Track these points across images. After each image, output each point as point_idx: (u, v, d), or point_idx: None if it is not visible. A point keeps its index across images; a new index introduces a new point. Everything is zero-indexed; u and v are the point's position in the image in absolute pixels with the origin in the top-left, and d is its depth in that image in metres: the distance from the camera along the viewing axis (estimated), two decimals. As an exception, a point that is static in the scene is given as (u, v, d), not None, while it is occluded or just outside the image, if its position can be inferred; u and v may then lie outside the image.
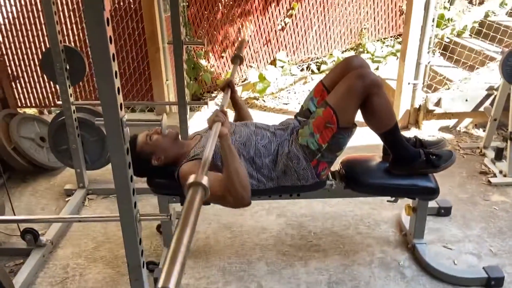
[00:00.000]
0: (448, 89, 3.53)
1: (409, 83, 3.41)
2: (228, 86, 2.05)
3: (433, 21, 3.31)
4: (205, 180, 1.08)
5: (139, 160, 1.85)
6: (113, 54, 1.22)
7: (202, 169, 1.21)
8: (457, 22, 4.38)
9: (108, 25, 1.18)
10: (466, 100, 3.36)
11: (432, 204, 2.39)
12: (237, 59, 2.28)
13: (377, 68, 4.56)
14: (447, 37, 4.26)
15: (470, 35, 4.31)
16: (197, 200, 1.04)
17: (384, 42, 4.93)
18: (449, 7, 4.64)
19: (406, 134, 3.46)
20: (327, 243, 2.26)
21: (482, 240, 2.25)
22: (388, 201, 2.07)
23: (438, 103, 3.40)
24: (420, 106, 3.50)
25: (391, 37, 4.99)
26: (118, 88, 1.26)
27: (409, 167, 1.90)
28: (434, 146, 1.97)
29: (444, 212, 2.42)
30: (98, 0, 1.12)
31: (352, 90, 1.73)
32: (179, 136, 2.02)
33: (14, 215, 2.31)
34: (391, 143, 1.88)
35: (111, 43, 1.20)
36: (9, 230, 2.37)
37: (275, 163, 1.84)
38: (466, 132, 3.47)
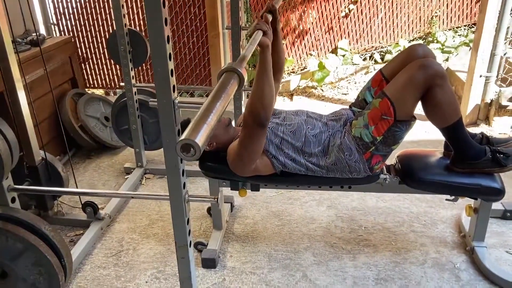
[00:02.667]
0: (525, 83, 3.25)
1: (481, 76, 3.17)
2: (270, 11, 1.77)
3: (511, 9, 3.04)
4: (242, 69, 1.07)
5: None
6: (168, 36, 1.24)
7: (241, 61, 1.18)
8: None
9: (164, 7, 1.19)
10: (545, 96, 3.07)
11: (497, 206, 2.22)
12: None
13: (447, 59, 4.29)
14: (528, 27, 3.89)
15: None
16: (231, 83, 1.02)
17: (456, 31, 4.62)
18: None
19: (474, 130, 3.25)
20: (378, 238, 2.18)
21: (552, 249, 2.06)
22: (447, 199, 1.95)
23: (512, 99, 3.14)
24: (492, 101, 3.24)
25: (464, 26, 4.65)
26: (172, 70, 1.28)
27: (473, 165, 1.77)
28: (502, 144, 1.81)
29: (510, 215, 2.25)
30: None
31: (413, 81, 1.62)
32: (232, 123, 2.02)
33: (77, 188, 2.46)
34: (453, 139, 1.76)
35: (166, 25, 1.22)
36: (72, 202, 2.54)
37: (325, 154, 1.79)
38: (542, 131, 3.18)
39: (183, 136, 0.79)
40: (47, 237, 1.67)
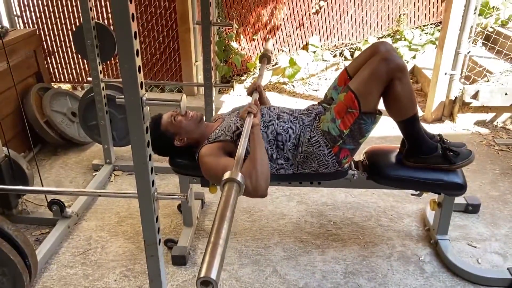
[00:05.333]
0: (488, 81, 3.37)
1: (446, 73, 3.27)
2: (256, 90, 1.99)
3: (475, 9, 3.14)
4: (239, 177, 1.17)
5: (162, 140, 1.87)
6: (135, 32, 1.22)
7: (237, 166, 1.28)
8: (502, 11, 4.14)
9: (131, 2, 1.17)
10: (506, 94, 3.19)
11: (460, 200, 2.31)
12: (264, 58, 2.27)
13: (414, 57, 4.40)
14: (491, 27, 4.04)
15: (515, 25, 4.08)
16: (232, 196, 1.11)
17: (423, 30, 4.73)
18: (495, -5, 4.38)
19: (439, 126, 3.36)
20: (347, 233, 2.23)
21: (509, 240, 2.15)
22: (412, 194, 2.02)
23: (475, 96, 3.25)
24: (456, 98, 3.35)
25: (431, 24, 4.78)
26: (139, 66, 1.26)
27: (424, 159, 1.84)
28: (455, 147, 1.88)
29: (472, 209, 2.33)
30: (121, -23, 1.11)
31: (375, 74, 1.68)
32: (204, 118, 2.02)
33: (42, 186, 2.40)
34: (409, 133, 1.83)
35: (133, 20, 1.19)
36: (38, 200, 2.47)
37: (296, 148, 1.82)
38: (503, 127, 3.31)
39: (202, 273, 0.84)
40: (10, 237, 1.62)
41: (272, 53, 2.31)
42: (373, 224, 2.29)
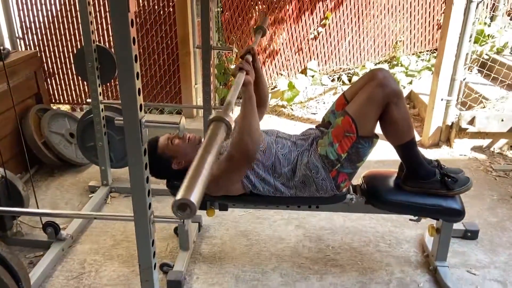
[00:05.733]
0: (484, 107, 3.40)
1: (442, 99, 3.30)
2: (249, 52, 1.85)
3: (470, 36, 3.19)
4: (229, 118, 1.08)
5: (160, 163, 1.86)
6: (136, 56, 1.23)
7: (226, 109, 1.20)
8: (498, 39, 4.21)
9: (132, 26, 1.19)
10: (502, 120, 3.22)
11: (458, 226, 2.29)
12: (260, 30, 2.26)
13: (410, 82, 4.45)
14: (486, 54, 4.10)
15: (510, 52, 4.14)
16: (219, 134, 1.03)
17: (419, 56, 4.81)
18: (490, 23, 4.48)
19: (436, 151, 3.36)
20: (345, 258, 2.20)
21: (509, 267, 2.13)
22: (410, 219, 2.00)
23: (472, 122, 3.27)
24: (452, 123, 3.38)
25: (427, 51, 4.86)
26: (139, 89, 1.27)
27: (422, 184, 1.84)
28: (452, 173, 1.89)
29: (470, 235, 2.31)
30: (124, 2, 1.13)
31: (372, 98, 1.70)
32: (202, 141, 2.01)
33: (38, 208, 2.37)
34: (407, 157, 1.84)
35: (134, 44, 1.21)
36: (33, 222, 2.44)
37: (294, 173, 1.81)
38: (500, 153, 3.32)
39: (178, 196, 0.80)
40: (4, 259, 1.59)
41: (267, 28, 2.27)
42: (371, 250, 2.27)
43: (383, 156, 3.07)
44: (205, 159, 0.93)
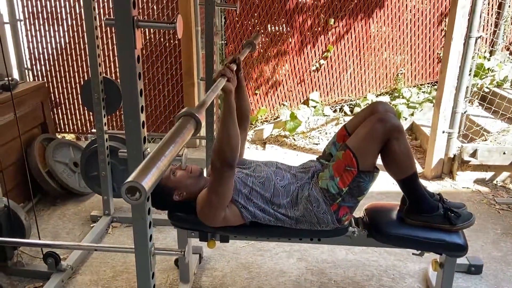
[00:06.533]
0: (485, 140, 3.41)
1: (443, 132, 3.32)
2: (235, 61, 1.85)
3: (470, 70, 3.25)
4: (200, 114, 1.07)
5: (161, 194, 1.87)
6: (141, 90, 1.27)
7: (199, 107, 1.19)
8: (497, 73, 4.28)
9: (138, 62, 1.23)
10: (504, 153, 3.22)
11: (462, 260, 2.27)
12: (249, 45, 2.25)
13: (412, 114, 4.49)
14: (486, 87, 4.16)
15: (511, 86, 4.19)
16: (186, 127, 1.02)
17: (420, 88, 4.87)
18: (489, 58, 4.55)
19: (439, 183, 3.36)
20: (347, 293, 2.17)
21: (516, 304, 2.09)
22: (413, 254, 1.98)
23: (474, 154, 3.28)
24: (455, 155, 3.38)
25: (428, 83, 4.93)
26: (143, 122, 1.30)
27: (425, 218, 1.83)
28: (455, 208, 1.88)
29: (474, 270, 2.28)
30: (130, 39, 1.17)
31: (372, 133, 1.71)
32: (204, 173, 2.03)
33: (39, 238, 2.37)
34: (408, 191, 1.84)
35: (139, 79, 1.25)
36: (33, 252, 2.43)
37: (293, 205, 1.81)
38: (503, 186, 3.31)
39: (130, 178, 0.77)
40: (3, 291, 1.58)
41: (258, 44, 2.27)
42: (374, 284, 2.23)
43: (385, 187, 3.07)
44: (166, 149, 0.89)
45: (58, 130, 4.04)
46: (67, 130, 4.09)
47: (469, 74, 3.26)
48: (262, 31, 4.34)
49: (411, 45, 4.68)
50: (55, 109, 3.98)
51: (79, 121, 4.05)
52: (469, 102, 3.47)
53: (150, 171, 0.81)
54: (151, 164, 0.84)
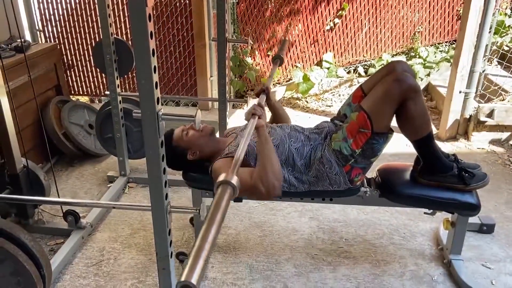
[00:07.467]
0: (503, 100, 3.34)
1: (460, 92, 3.25)
2: (264, 91, 1.98)
3: (490, 27, 3.13)
4: (234, 180, 1.11)
5: (175, 154, 1.90)
6: (153, 50, 1.26)
7: (233, 168, 1.23)
8: (519, 30, 4.12)
9: (150, 20, 1.21)
10: (522, 113, 3.16)
11: (474, 220, 2.28)
12: (277, 60, 2.27)
13: (428, 74, 4.39)
14: (506, 45, 4.02)
15: (532, 44, 4.04)
16: (225, 199, 1.07)
17: (438, 47, 4.73)
18: (510, 14, 4.37)
19: (454, 144, 3.33)
20: (358, 250, 2.21)
21: (526, 262, 2.12)
22: (425, 213, 2.00)
23: (490, 114, 3.23)
24: (471, 116, 3.33)
25: (446, 42, 4.78)
26: (156, 82, 1.30)
27: (439, 178, 1.83)
28: (469, 168, 1.87)
29: (486, 229, 2.30)
30: (141, -4, 1.15)
31: (388, 94, 1.68)
32: (215, 132, 2.04)
33: (59, 197, 2.44)
34: (423, 152, 1.83)
35: (151, 38, 1.23)
36: (54, 210, 2.51)
37: (307, 167, 1.83)
38: (519, 146, 3.27)
39: (183, 278, 0.84)
40: (26, 247, 1.65)
41: (286, 55, 2.30)
42: (385, 242, 2.27)
43: (398, 149, 3.06)
44: (210, 231, 0.95)
45: (72, 92, 4.06)
46: (81, 93, 4.11)
47: (489, 32, 3.15)
48: (274, -11, 4.22)
49: (429, 1, 4.51)
50: (68, 71, 3.99)
51: (92, 84, 4.07)
52: (488, 61, 3.37)
53: (197, 265, 0.87)
54: (197, 257, 0.89)
